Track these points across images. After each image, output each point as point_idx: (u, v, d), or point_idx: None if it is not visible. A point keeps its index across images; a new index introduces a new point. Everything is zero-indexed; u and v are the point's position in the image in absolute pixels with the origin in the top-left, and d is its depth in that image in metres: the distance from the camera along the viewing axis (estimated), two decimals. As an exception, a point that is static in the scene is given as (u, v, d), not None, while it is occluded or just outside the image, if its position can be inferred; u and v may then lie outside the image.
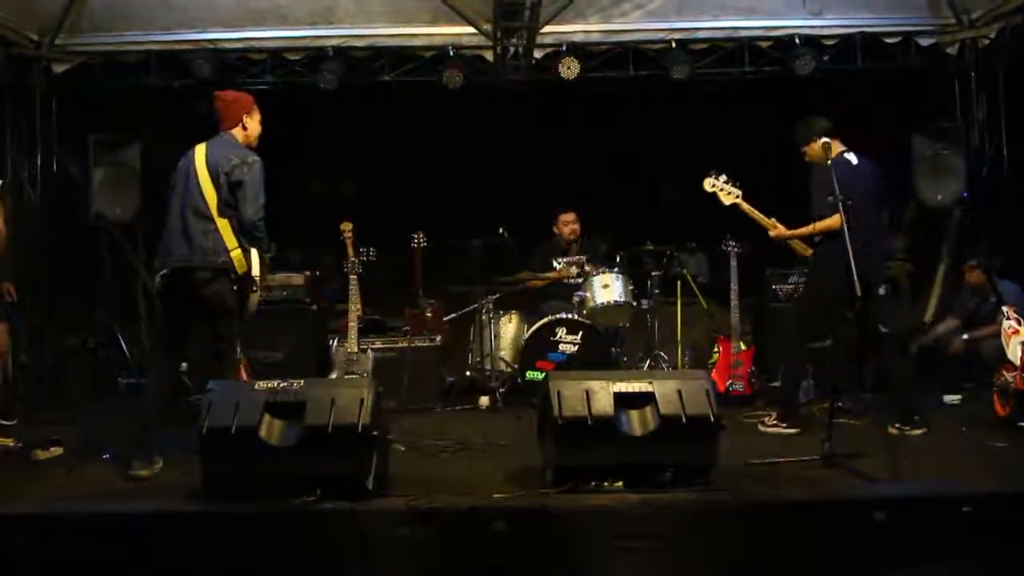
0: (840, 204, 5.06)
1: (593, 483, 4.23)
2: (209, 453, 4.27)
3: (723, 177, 6.03)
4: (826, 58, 7.98)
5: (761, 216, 5.95)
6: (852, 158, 5.69)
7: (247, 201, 4.96)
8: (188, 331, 5.16)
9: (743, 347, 7.10)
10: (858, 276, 4.97)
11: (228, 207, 4.95)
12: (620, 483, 4.23)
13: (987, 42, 7.83)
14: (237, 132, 5.17)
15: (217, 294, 4.91)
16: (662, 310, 7.71)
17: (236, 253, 4.94)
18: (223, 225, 4.93)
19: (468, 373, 7.51)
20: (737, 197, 6.00)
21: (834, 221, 5.32)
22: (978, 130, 8.23)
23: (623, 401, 4.32)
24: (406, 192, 8.69)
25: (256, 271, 5.09)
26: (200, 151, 5.08)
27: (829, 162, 5.42)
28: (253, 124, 5.25)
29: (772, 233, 5.90)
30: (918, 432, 5.52)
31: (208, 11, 7.68)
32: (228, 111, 5.19)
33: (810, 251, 5.88)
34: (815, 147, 5.63)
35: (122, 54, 7.89)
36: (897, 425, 5.58)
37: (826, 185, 5.29)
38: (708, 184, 6.06)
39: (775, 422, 5.82)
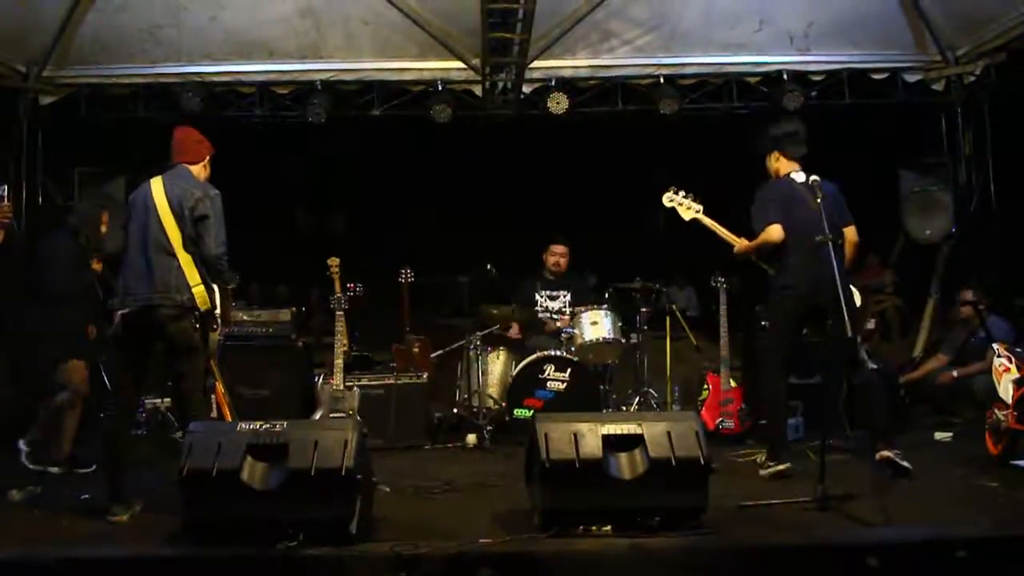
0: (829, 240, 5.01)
1: (581, 527, 4.16)
2: (189, 496, 4.19)
3: (682, 192, 5.88)
4: (814, 94, 8.02)
5: (724, 231, 5.79)
6: (799, 176, 5.58)
7: (211, 235, 4.85)
8: (147, 371, 5.01)
9: (733, 384, 7.04)
10: (809, 299, 5.17)
11: (192, 242, 4.84)
12: (608, 527, 4.16)
13: (972, 78, 7.88)
14: (196, 168, 5.04)
15: (182, 331, 4.78)
16: (651, 346, 7.66)
17: (199, 289, 4.81)
18: (186, 261, 4.80)
19: (455, 410, 7.42)
20: (697, 212, 5.84)
21: (767, 234, 5.41)
22: (965, 165, 8.27)
23: (612, 443, 4.26)
24: (394, 227, 8.65)
25: (218, 307, 5.01)
26: (158, 184, 4.93)
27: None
28: (208, 171, 5.16)
29: (736, 249, 5.74)
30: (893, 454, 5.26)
31: (197, 45, 7.66)
32: (193, 147, 5.10)
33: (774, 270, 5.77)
34: (769, 160, 5.73)
35: (109, 87, 7.87)
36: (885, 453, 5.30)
37: (765, 201, 5.42)
38: (666, 199, 5.92)
39: (770, 465, 5.60)
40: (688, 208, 5.87)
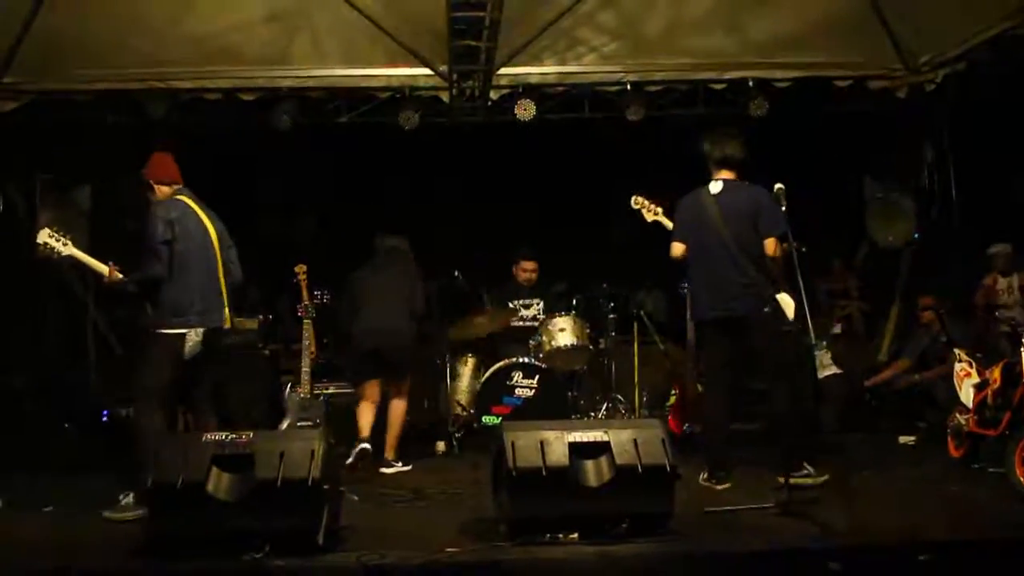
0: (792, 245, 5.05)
1: (548, 535, 4.17)
2: (155, 508, 4.16)
3: (643, 196, 5.96)
4: (779, 101, 8.07)
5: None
6: (714, 186, 5.58)
7: (237, 264, 5.44)
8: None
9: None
10: (720, 310, 5.29)
11: (226, 269, 5.37)
12: (575, 535, 4.18)
13: (933, 87, 7.97)
14: None
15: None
16: (619, 351, 7.70)
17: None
18: (224, 286, 5.34)
19: (424, 418, 7.42)
20: (657, 214, 5.88)
21: (672, 250, 5.59)
22: (927, 172, 8.37)
23: (578, 451, 4.28)
24: (362, 234, 8.61)
25: None
26: (199, 210, 5.31)
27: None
28: None
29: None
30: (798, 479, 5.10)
31: (161, 51, 7.55)
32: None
33: None
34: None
35: (72, 93, 7.75)
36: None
37: (677, 213, 5.60)
38: (634, 201, 5.97)
39: (705, 477, 5.50)
40: (649, 211, 5.91)
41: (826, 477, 5.30)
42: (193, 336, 5.12)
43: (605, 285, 7.58)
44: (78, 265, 5.20)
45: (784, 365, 5.46)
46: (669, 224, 5.79)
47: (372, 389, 6.54)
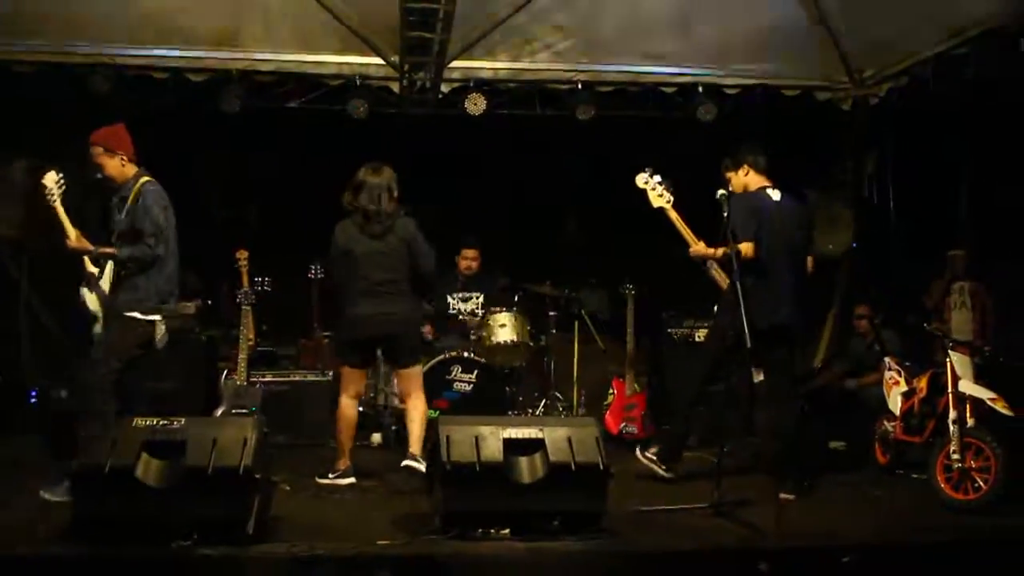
0: (734, 255, 5.07)
1: (480, 530, 4.19)
2: (80, 492, 4.10)
3: (658, 178, 5.69)
4: (727, 106, 8.17)
5: (687, 230, 5.60)
6: (776, 194, 5.55)
7: None
8: None
9: (638, 389, 7.17)
10: (770, 322, 5.12)
11: None
12: (507, 531, 4.20)
13: (877, 100, 8.14)
14: None
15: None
16: (560, 349, 7.74)
17: None
18: None
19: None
20: (668, 202, 5.62)
21: (745, 248, 5.23)
22: (867, 183, 8.54)
23: (513, 447, 4.30)
24: (306, 221, 8.51)
25: None
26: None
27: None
28: None
29: (692, 249, 5.53)
30: (793, 497, 5.23)
31: (108, 26, 7.38)
32: None
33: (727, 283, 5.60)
34: (738, 175, 5.65)
35: (12, 64, 7.54)
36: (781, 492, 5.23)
37: (740, 213, 5.28)
38: (640, 180, 5.70)
39: (653, 456, 5.65)
40: (660, 196, 5.65)
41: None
42: (161, 326, 5.12)
43: (548, 282, 7.59)
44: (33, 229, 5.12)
45: (794, 382, 5.62)
46: (675, 216, 5.60)
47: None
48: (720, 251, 5.28)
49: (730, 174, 5.70)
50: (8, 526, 4.40)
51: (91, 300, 5.18)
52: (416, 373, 5.81)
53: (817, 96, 8.30)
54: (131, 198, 5.11)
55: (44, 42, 7.44)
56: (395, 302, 5.60)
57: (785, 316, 5.36)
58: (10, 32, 7.35)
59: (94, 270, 5.18)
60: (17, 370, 7.62)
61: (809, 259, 5.65)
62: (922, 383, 5.72)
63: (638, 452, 5.78)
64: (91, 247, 5.06)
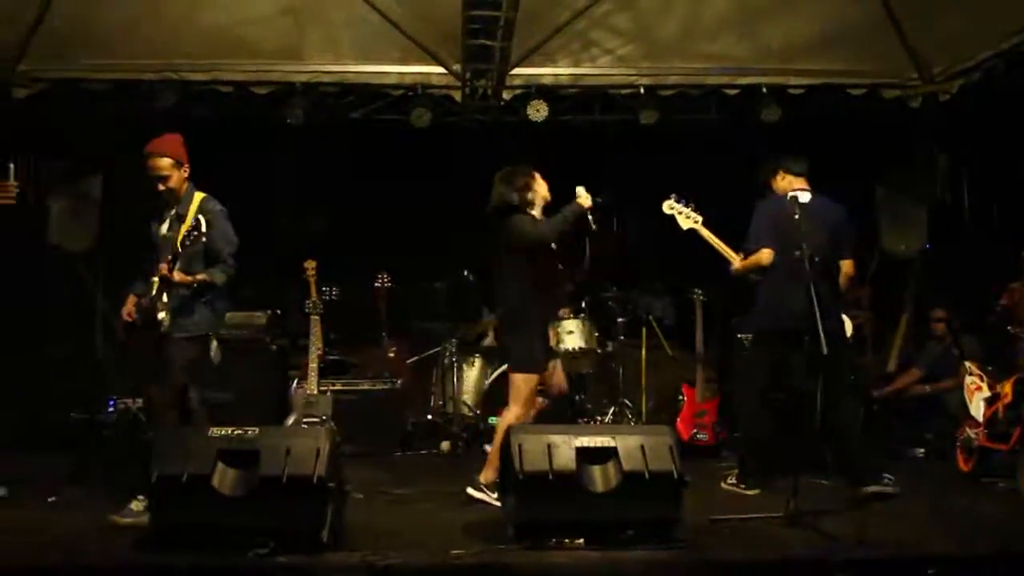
0: (805, 257, 4.99)
1: (553, 540, 4.15)
2: (158, 502, 4.15)
3: (683, 201, 5.80)
4: (792, 107, 8.03)
5: (722, 246, 5.69)
6: (804, 196, 5.46)
7: None
8: None
9: (708, 395, 7.07)
10: (796, 321, 5.05)
11: None
12: (581, 540, 4.16)
13: (948, 97, 7.93)
14: None
15: None
16: (627, 355, 7.67)
17: None
18: None
19: (430, 417, 7.40)
20: (696, 222, 5.72)
21: (759, 257, 5.36)
22: (940, 181, 8.32)
23: (585, 456, 4.26)
24: (372, 231, 8.60)
25: None
26: None
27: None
28: None
29: (733, 268, 5.65)
30: (879, 488, 5.25)
31: (174, 42, 7.54)
32: None
33: None
34: (776, 181, 5.70)
35: (85, 81, 7.74)
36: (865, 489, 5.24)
37: (760, 219, 5.34)
38: (667, 206, 5.82)
39: (734, 481, 5.66)
40: (687, 218, 5.75)
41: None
42: (214, 341, 5.07)
43: (614, 289, 7.53)
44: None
45: (846, 382, 5.52)
46: (708, 234, 5.68)
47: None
48: (749, 263, 5.45)
49: (771, 180, 5.75)
50: (90, 534, 4.46)
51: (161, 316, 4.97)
52: (511, 380, 5.44)
53: (885, 94, 8.10)
54: (191, 214, 4.93)
55: (114, 60, 7.63)
56: None
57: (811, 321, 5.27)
58: (81, 52, 7.55)
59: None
60: (96, 379, 7.79)
61: (847, 263, 5.65)
62: (1007, 388, 5.56)
63: (722, 484, 5.71)
64: (189, 278, 4.90)
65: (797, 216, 5.13)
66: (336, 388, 6.82)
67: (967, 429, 5.84)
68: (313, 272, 6.94)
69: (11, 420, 7.15)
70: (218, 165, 6.96)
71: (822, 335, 4.71)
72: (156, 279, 4.86)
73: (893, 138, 8.53)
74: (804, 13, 7.45)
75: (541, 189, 5.65)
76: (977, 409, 5.76)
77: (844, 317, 5.58)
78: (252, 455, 4.14)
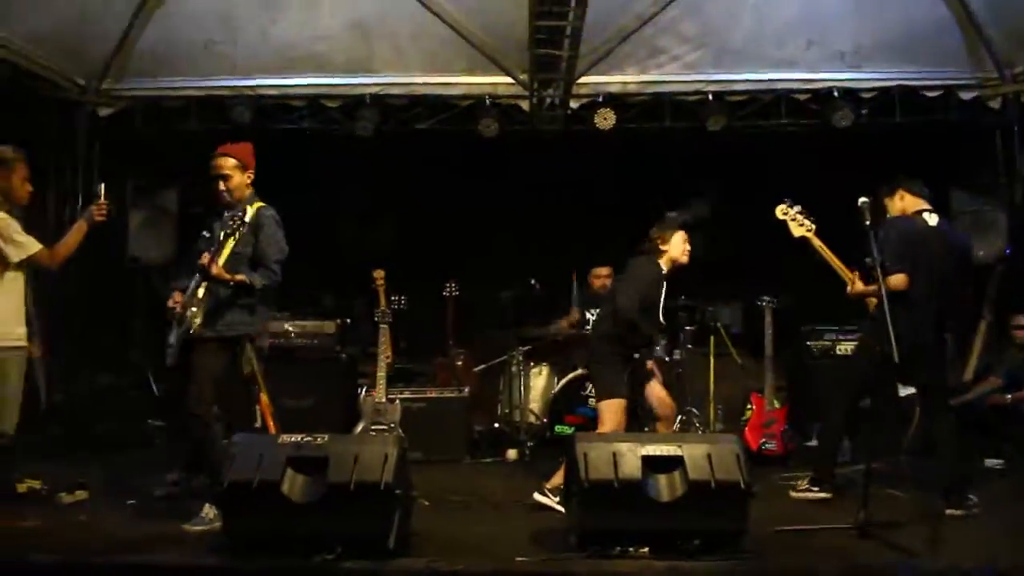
0: (877, 265, 4.88)
1: (618, 548, 4.14)
2: (230, 507, 4.26)
3: (797, 207, 5.62)
4: (864, 111, 7.90)
5: (836, 260, 5.48)
6: (931, 218, 5.40)
7: None
8: None
9: (777, 404, 6.97)
10: (912, 344, 4.90)
11: None
12: (646, 549, 4.14)
13: (1030, 96, 7.71)
14: None
15: None
16: (695, 363, 7.61)
17: None
18: None
19: (496, 425, 7.44)
20: (809, 231, 5.54)
21: (896, 281, 5.12)
22: (1021, 185, 8.08)
23: (651, 464, 4.24)
24: (440, 240, 8.69)
25: None
26: None
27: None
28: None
29: (849, 291, 5.42)
30: (961, 512, 5.08)
31: (249, 58, 7.77)
32: None
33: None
34: (893, 200, 5.57)
35: (164, 99, 8.01)
36: (947, 508, 5.11)
37: (888, 241, 5.16)
38: (780, 211, 5.64)
39: (807, 487, 5.59)
40: (800, 225, 5.58)
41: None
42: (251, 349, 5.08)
43: (682, 296, 7.47)
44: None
45: (947, 398, 5.50)
46: (820, 245, 5.51)
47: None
48: (874, 287, 5.09)
49: (887, 200, 5.61)
50: (165, 537, 4.59)
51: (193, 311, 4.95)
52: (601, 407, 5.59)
53: (962, 95, 7.92)
54: (247, 220, 4.91)
55: (191, 77, 7.87)
56: None
57: (929, 339, 5.24)
58: (161, 70, 7.82)
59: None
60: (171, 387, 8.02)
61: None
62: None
63: (792, 493, 5.64)
64: (228, 276, 4.87)
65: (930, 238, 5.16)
66: (404, 396, 6.90)
67: (1049, 440, 5.66)
68: (382, 282, 7.03)
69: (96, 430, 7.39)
70: (290, 177, 7.12)
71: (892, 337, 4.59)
72: (197, 275, 4.88)
73: (972, 140, 8.31)
74: (873, 14, 7.34)
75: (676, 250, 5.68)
76: (1059, 419, 5.57)
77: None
78: (321, 462, 4.22)
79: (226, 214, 5.02)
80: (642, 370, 5.73)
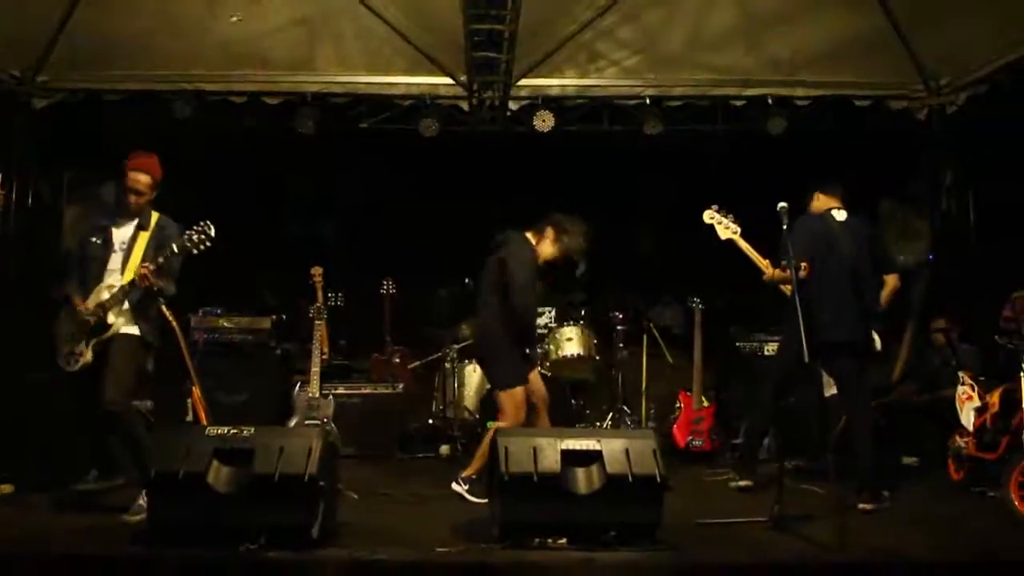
0: (791, 264, 5.05)
1: (537, 540, 4.25)
2: (156, 497, 4.29)
3: (723, 211, 5.85)
4: (798, 119, 8.09)
5: (757, 256, 5.75)
6: (839, 215, 5.74)
7: None
8: None
9: (705, 403, 7.14)
10: (827, 340, 5.15)
11: None
12: (564, 540, 4.25)
13: (954, 108, 7.96)
14: None
15: None
16: (628, 363, 7.74)
17: None
18: None
19: (431, 421, 7.52)
20: (735, 233, 5.79)
21: (786, 274, 5.34)
22: (945, 194, 8.33)
23: (570, 458, 4.35)
24: (379, 238, 8.74)
25: None
26: None
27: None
28: None
29: (765, 277, 5.70)
30: (872, 507, 5.29)
31: (190, 54, 7.73)
32: None
33: None
34: (812, 203, 5.89)
35: (102, 92, 7.94)
36: (859, 502, 5.32)
37: (797, 233, 5.37)
38: (707, 216, 5.85)
39: (735, 475, 5.91)
40: (727, 228, 5.81)
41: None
42: None
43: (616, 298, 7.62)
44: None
45: (866, 395, 5.70)
46: (745, 245, 5.74)
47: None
48: (786, 272, 5.27)
49: (809, 203, 5.95)
50: (91, 528, 4.62)
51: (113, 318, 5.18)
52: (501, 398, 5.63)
53: (891, 105, 8.16)
54: (151, 229, 5.23)
55: (130, 71, 7.82)
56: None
57: (845, 332, 5.47)
58: (98, 63, 7.75)
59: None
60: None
61: (892, 277, 5.81)
62: (994, 398, 5.58)
63: (730, 484, 5.91)
64: (160, 283, 5.10)
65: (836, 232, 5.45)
66: (339, 392, 6.94)
67: (958, 439, 5.87)
68: (320, 278, 7.06)
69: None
70: (230, 174, 7.14)
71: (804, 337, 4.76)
72: (112, 282, 5.12)
73: (899, 149, 8.56)
74: (810, 25, 7.51)
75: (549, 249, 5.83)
76: (967, 419, 5.78)
77: (874, 333, 5.61)
78: (247, 454, 4.27)
79: (130, 222, 5.27)
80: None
